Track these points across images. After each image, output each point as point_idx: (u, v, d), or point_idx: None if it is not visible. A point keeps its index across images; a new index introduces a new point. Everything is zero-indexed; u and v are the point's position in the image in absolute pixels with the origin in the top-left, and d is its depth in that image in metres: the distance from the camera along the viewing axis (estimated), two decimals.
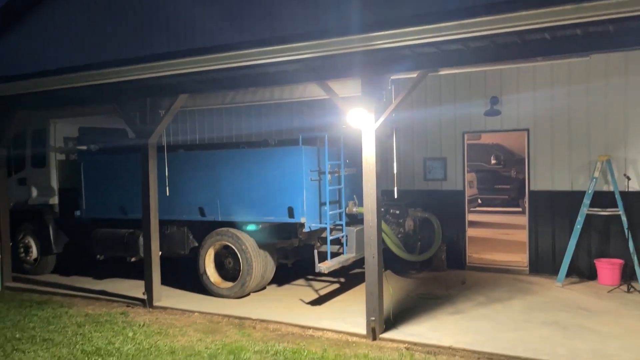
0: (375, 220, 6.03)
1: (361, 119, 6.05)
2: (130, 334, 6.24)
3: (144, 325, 6.67)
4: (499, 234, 12.15)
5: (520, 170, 14.14)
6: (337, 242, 7.94)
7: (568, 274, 8.05)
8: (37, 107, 8.84)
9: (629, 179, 7.79)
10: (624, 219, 7.72)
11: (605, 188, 8.10)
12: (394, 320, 6.38)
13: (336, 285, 8.42)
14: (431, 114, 9.31)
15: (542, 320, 6.39)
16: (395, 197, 7.02)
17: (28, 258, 9.89)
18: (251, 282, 7.70)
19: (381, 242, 6.26)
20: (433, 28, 5.12)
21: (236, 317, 6.91)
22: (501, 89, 8.82)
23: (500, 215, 15.12)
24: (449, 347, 5.57)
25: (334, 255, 7.76)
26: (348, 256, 7.81)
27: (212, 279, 8.01)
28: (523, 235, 9.16)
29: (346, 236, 7.87)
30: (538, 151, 8.65)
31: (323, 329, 6.33)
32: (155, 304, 7.54)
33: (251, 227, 7.74)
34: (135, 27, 7.55)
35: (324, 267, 7.24)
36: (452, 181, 9.37)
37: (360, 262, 8.33)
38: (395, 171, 6.93)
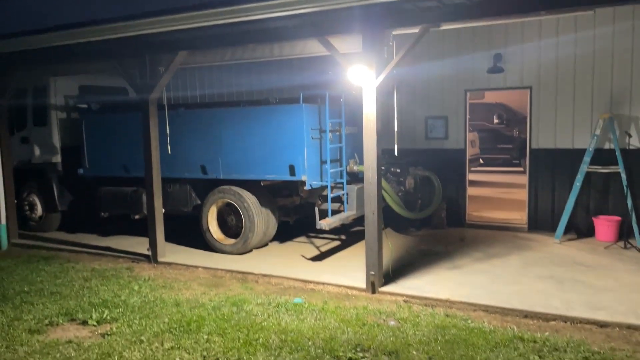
0: (376, 177, 6.07)
1: (362, 75, 6.01)
2: (136, 288, 6.40)
3: (149, 279, 6.84)
4: (499, 193, 12.23)
5: (522, 129, 14.11)
6: (337, 200, 8.03)
7: (566, 231, 8.15)
8: (37, 64, 8.78)
9: (630, 136, 7.78)
10: (623, 176, 7.75)
11: (606, 146, 8.11)
12: (392, 275, 6.51)
13: (337, 243, 8.56)
14: (433, 72, 9.22)
15: (538, 274, 6.52)
16: (396, 155, 7.03)
17: (33, 215, 10.06)
18: (253, 239, 7.83)
19: (381, 199, 6.33)
20: None
21: (239, 272, 7.06)
22: (505, 46, 8.70)
23: (501, 175, 15.17)
24: (446, 300, 5.71)
25: (335, 212, 7.85)
26: (349, 214, 7.91)
27: (215, 236, 8.15)
28: (523, 194, 9.22)
29: (347, 194, 7.94)
30: (541, 109, 8.61)
31: (324, 283, 6.48)
32: (160, 259, 7.69)
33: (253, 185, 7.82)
34: None
35: (324, 224, 7.34)
36: (454, 140, 9.36)
37: (360, 220, 8.42)
38: (396, 129, 6.92)
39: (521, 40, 8.57)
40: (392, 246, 7.62)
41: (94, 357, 4.50)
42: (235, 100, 10.40)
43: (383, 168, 7.85)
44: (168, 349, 4.63)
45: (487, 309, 5.48)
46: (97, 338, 4.95)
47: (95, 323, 5.29)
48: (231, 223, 8.15)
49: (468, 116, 9.37)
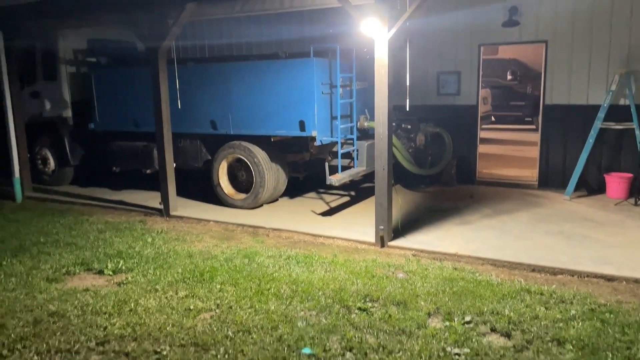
0: (386, 132, 6.04)
1: (374, 27, 5.88)
2: (149, 240, 6.53)
3: (161, 232, 6.96)
4: (510, 151, 12.14)
5: (536, 86, 13.86)
6: (347, 156, 8.03)
7: (577, 188, 8.13)
8: (46, 17, 8.67)
9: None
10: (637, 132, 7.65)
11: (621, 102, 7.97)
12: (401, 231, 6.57)
13: (346, 199, 8.62)
14: (446, 25, 9.00)
15: (546, 230, 6.56)
16: (407, 109, 6.98)
17: (46, 170, 10.18)
18: (264, 194, 7.89)
19: (391, 154, 6.31)
20: None
21: (250, 226, 7.16)
22: None
23: (512, 132, 15.02)
24: (455, 254, 5.78)
25: (345, 168, 7.87)
26: (358, 169, 7.92)
27: (226, 191, 8.22)
28: (534, 152, 9.16)
29: (357, 150, 7.93)
30: (556, 64, 8.43)
31: (333, 237, 6.57)
32: (172, 213, 7.81)
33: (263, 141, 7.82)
34: None
35: (334, 179, 7.38)
36: (466, 96, 9.24)
37: (370, 177, 8.45)
38: (408, 83, 6.83)
39: None
40: (402, 202, 7.66)
41: (111, 304, 4.64)
42: (245, 55, 10.27)
43: (394, 124, 7.79)
44: (182, 297, 4.76)
45: (494, 263, 5.55)
46: (113, 287, 5.10)
47: (111, 273, 5.43)
48: (242, 178, 8.20)
49: (481, 72, 9.20)
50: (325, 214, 7.75)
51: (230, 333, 4.08)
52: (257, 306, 4.53)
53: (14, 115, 9.02)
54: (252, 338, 3.99)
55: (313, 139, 7.53)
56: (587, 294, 4.64)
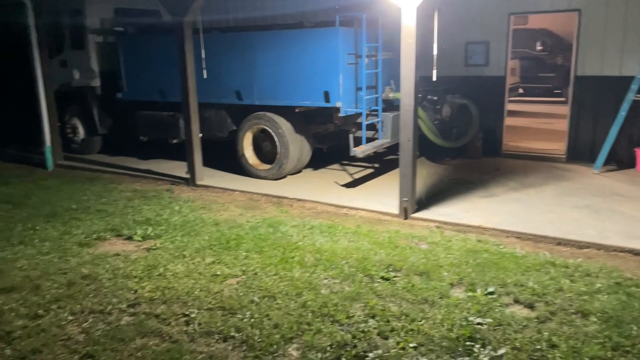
0: (412, 103, 5.98)
1: None
2: (177, 208, 6.67)
3: (188, 200, 7.10)
4: (538, 124, 11.90)
5: (566, 57, 13.46)
6: (372, 127, 7.98)
7: (606, 162, 7.96)
8: None
9: None
10: None
11: None
12: (425, 203, 6.56)
13: (370, 170, 8.61)
14: None
15: (574, 204, 6.47)
16: (434, 79, 6.86)
17: (76, 138, 10.40)
18: (288, 165, 7.94)
19: (417, 125, 6.25)
20: None
21: (274, 196, 7.24)
22: None
23: (540, 105, 14.69)
24: (479, 226, 5.77)
25: (369, 140, 7.84)
26: (383, 141, 7.89)
27: (250, 161, 8.29)
28: (563, 125, 8.96)
29: (382, 121, 7.88)
30: (589, 33, 8.16)
31: (357, 208, 6.60)
32: (198, 182, 7.92)
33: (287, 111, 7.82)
34: None
35: (358, 151, 7.36)
36: (494, 67, 9.05)
37: (393, 149, 8.42)
38: (435, 52, 6.69)
39: None
40: (426, 174, 7.62)
41: (141, 268, 4.79)
42: (270, 24, 10.18)
43: (419, 95, 7.70)
44: (209, 264, 4.89)
45: (519, 236, 5.52)
46: (142, 252, 5.25)
47: (140, 239, 5.59)
48: (266, 149, 8.25)
49: (510, 42, 8.97)
50: (348, 185, 7.77)
51: (256, 298, 4.18)
52: (281, 273, 4.62)
53: (44, 84, 9.17)
54: (277, 303, 4.09)
55: (337, 110, 7.50)
56: (613, 268, 4.60)
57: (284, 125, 7.85)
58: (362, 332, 3.68)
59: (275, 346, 3.53)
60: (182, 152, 8.21)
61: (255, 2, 10.95)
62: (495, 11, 8.79)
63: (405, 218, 6.21)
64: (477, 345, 3.48)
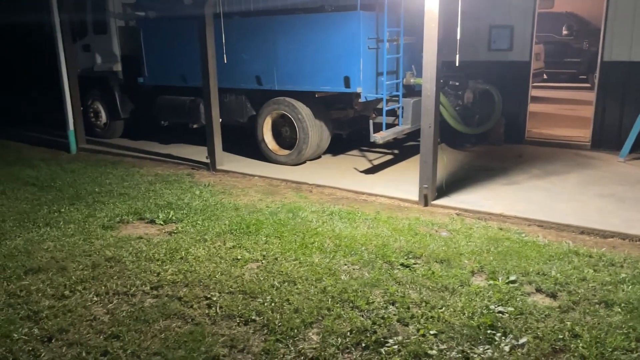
0: (434, 89, 5.91)
1: None
2: (197, 192, 6.73)
3: (208, 185, 7.15)
4: (562, 110, 11.67)
5: (593, 42, 13.15)
6: (392, 113, 7.92)
7: (632, 150, 7.78)
8: None
9: None
10: None
11: None
12: (446, 190, 6.51)
13: (390, 157, 8.56)
14: None
15: (598, 192, 6.36)
16: (457, 64, 6.75)
17: (98, 122, 10.53)
18: (307, 150, 7.93)
19: (438, 111, 6.18)
20: None
21: (293, 182, 7.25)
22: None
23: (565, 90, 14.39)
24: (500, 214, 5.71)
25: (389, 126, 7.78)
26: (403, 127, 7.82)
27: (270, 147, 8.31)
28: (588, 111, 8.77)
29: (402, 107, 7.81)
30: (618, 16, 7.91)
31: (376, 195, 6.58)
32: (218, 167, 7.97)
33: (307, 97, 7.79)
34: None
35: (378, 137, 7.32)
36: (518, 52, 8.86)
37: (413, 135, 8.36)
38: (458, 37, 6.58)
39: None
40: (447, 161, 7.55)
41: (163, 251, 4.86)
42: (291, 8, 10.11)
43: (441, 81, 7.59)
44: (230, 248, 4.93)
45: (542, 224, 5.45)
46: (164, 236, 5.32)
47: (162, 222, 5.66)
48: (285, 134, 8.25)
49: (536, 26, 8.77)
50: (368, 171, 7.74)
51: (276, 283, 4.21)
52: (301, 259, 4.64)
53: (68, 68, 9.26)
54: (297, 288, 4.12)
55: (358, 95, 7.44)
56: (638, 258, 4.52)
57: (304, 110, 7.83)
58: (382, 318, 3.69)
59: (295, 330, 3.56)
60: (202, 137, 8.25)
61: None
62: None
63: (425, 205, 6.17)
64: (498, 334, 3.46)
